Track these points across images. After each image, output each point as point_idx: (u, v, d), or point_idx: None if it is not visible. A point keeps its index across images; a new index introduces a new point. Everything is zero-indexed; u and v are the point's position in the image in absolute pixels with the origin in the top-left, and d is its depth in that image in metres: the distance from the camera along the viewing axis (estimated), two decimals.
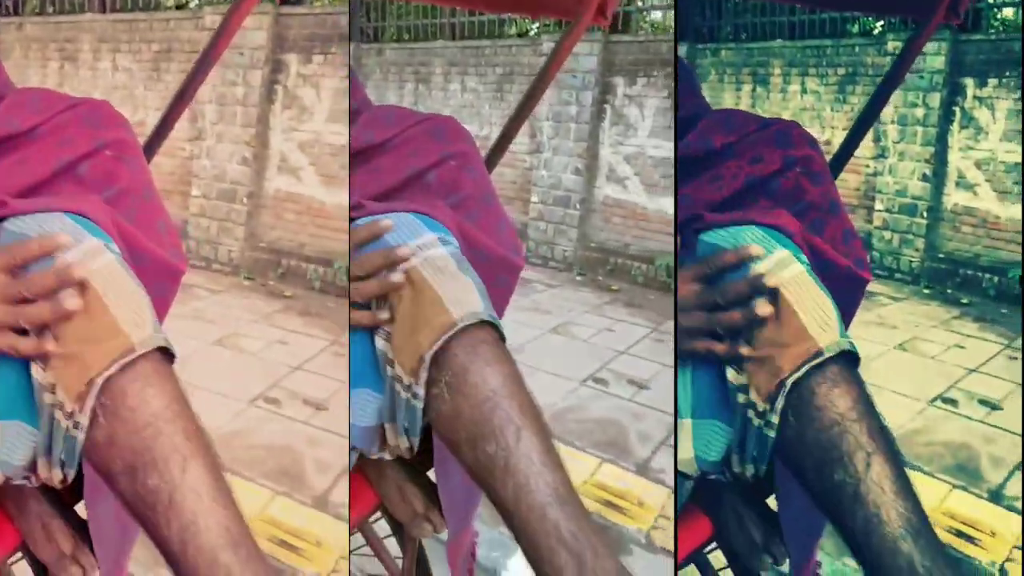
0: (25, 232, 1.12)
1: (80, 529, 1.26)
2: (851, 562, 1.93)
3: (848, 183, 3.66)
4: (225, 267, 3.58)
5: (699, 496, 1.37)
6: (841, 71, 3.90)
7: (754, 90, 4.16)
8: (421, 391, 1.17)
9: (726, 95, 4.27)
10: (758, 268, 1.25)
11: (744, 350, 1.24)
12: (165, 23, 3.99)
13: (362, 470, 1.42)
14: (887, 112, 3.63)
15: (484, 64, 4.49)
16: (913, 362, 2.72)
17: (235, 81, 3.71)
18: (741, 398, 1.24)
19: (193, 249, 3.36)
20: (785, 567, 1.51)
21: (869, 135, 3.67)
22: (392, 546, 1.61)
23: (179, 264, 1.28)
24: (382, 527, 1.60)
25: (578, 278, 3.95)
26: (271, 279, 3.51)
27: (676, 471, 1.40)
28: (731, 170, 1.45)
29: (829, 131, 3.85)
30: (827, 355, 1.17)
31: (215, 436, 1.84)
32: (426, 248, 1.25)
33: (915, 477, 2.18)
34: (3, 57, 4.29)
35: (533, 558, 1.10)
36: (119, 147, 1.33)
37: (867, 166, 3.66)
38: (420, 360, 1.16)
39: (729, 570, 1.45)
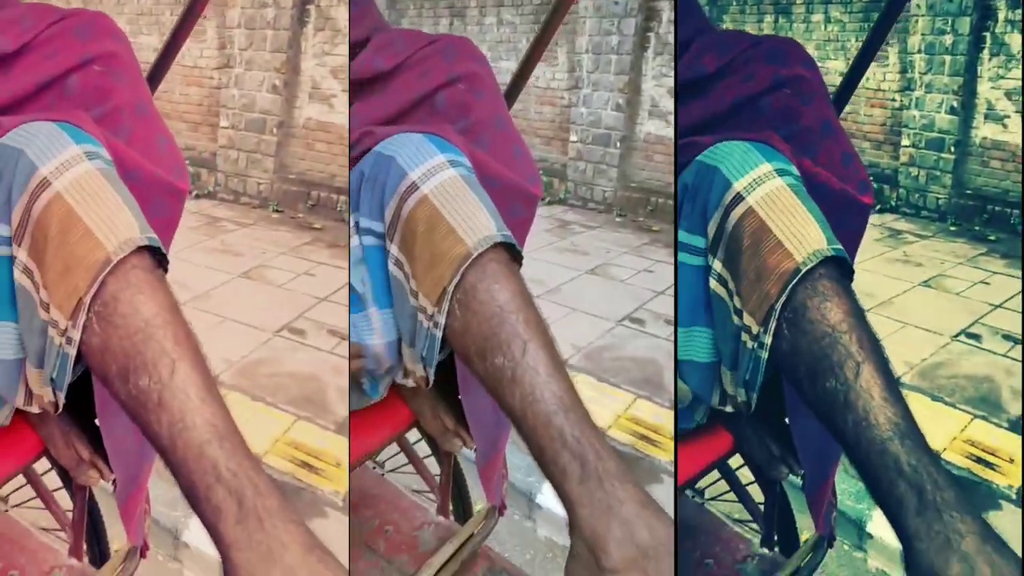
0: (13, 144, 1.14)
1: (98, 439, 1.31)
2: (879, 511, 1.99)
3: (874, 118, 3.63)
4: (254, 200, 3.54)
5: (720, 412, 1.40)
6: None
7: (776, 21, 4.10)
8: (443, 320, 1.22)
9: (748, 28, 4.22)
10: (736, 187, 1.28)
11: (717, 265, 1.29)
12: None
13: (397, 390, 1.48)
14: (914, 41, 3.57)
15: None
16: (938, 298, 2.74)
17: (265, 2, 3.63)
18: (735, 320, 1.27)
19: (222, 182, 3.34)
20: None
21: (896, 66, 3.62)
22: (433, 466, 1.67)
23: (179, 182, 1.30)
24: (423, 449, 1.67)
25: (617, 219, 3.95)
26: (301, 211, 3.52)
27: (675, 396, 1.45)
28: (722, 92, 1.45)
29: None
30: (803, 269, 1.20)
31: (241, 365, 1.90)
32: (435, 172, 1.27)
33: (936, 408, 2.22)
34: (401, 15, 4.26)
35: (541, 461, 1.15)
36: (110, 61, 1.32)
37: (893, 99, 3.62)
38: (443, 292, 1.21)
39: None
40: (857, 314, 1.21)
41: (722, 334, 1.30)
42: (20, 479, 1.45)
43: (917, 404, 2.21)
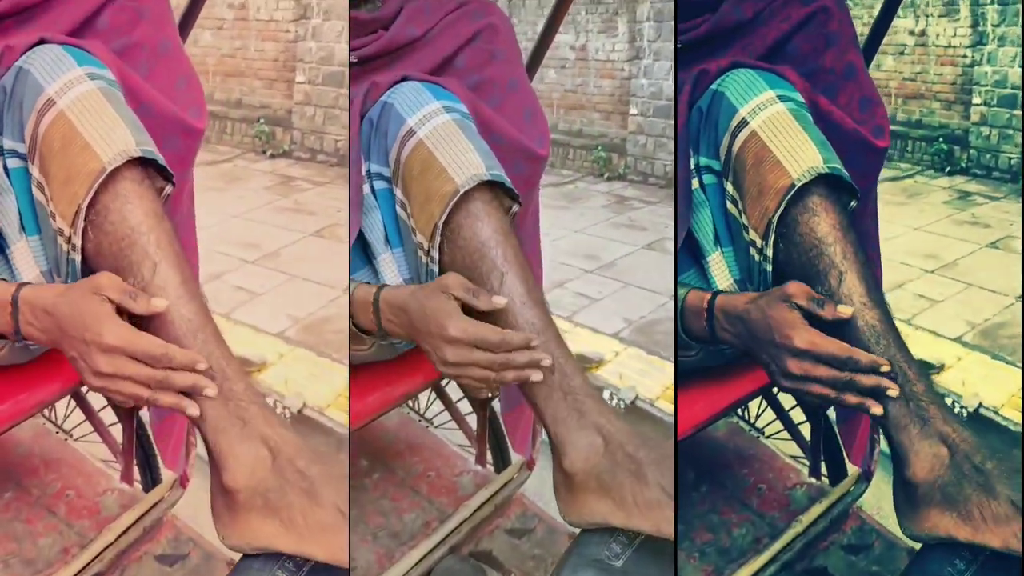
0: (24, 66, 1.25)
1: None
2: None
3: (944, 76, 3.52)
4: (331, 158, 3.37)
5: None
6: None
7: None
8: (436, 255, 1.32)
9: None
10: (741, 112, 1.35)
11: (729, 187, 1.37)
12: None
13: None
14: None
15: None
16: (1004, 259, 2.69)
17: None
18: (745, 236, 1.35)
19: (297, 140, 3.34)
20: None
21: (967, 20, 3.51)
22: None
23: (194, 121, 1.38)
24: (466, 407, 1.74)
25: None
26: None
27: (676, 339, 1.49)
28: (762, 36, 1.49)
29: (923, 20, 3.71)
30: (798, 184, 1.30)
31: (308, 322, 1.99)
32: (430, 118, 1.35)
33: (996, 366, 2.20)
34: None
35: (523, 388, 1.29)
36: None
37: (964, 56, 3.51)
38: (435, 228, 1.31)
39: None
40: (843, 227, 1.31)
41: (739, 251, 1.40)
42: (80, 415, 1.59)
43: (977, 363, 2.20)
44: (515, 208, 1.37)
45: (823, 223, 1.31)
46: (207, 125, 1.41)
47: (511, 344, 1.26)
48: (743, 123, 1.35)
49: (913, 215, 2.94)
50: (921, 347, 2.25)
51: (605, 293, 2.57)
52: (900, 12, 3.84)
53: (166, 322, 1.18)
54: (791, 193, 1.31)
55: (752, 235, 1.35)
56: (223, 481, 1.15)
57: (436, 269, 1.33)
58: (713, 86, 1.40)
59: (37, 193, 1.25)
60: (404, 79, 1.41)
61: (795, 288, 1.29)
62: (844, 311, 1.28)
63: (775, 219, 1.32)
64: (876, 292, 1.31)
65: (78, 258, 1.22)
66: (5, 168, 1.26)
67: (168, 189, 1.28)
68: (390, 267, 1.40)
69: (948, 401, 2.06)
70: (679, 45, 1.50)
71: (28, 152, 1.24)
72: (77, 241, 1.20)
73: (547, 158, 1.51)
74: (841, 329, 1.29)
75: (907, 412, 1.25)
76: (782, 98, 1.36)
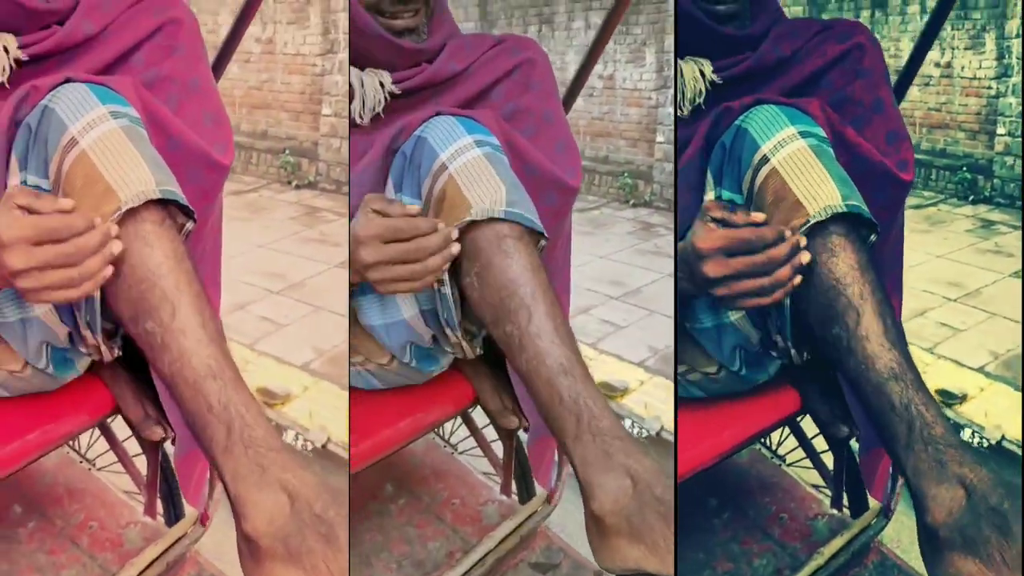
0: (49, 105, 1.25)
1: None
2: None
3: (969, 107, 3.53)
4: None
5: (788, 370, 1.52)
6: None
7: (873, 15, 4.05)
8: (447, 278, 1.32)
9: None
10: (763, 148, 1.36)
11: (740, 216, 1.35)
12: None
13: (460, 368, 1.57)
14: (1012, 26, 3.47)
15: None
16: None
17: None
18: None
19: (323, 171, 3.35)
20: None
21: (992, 52, 3.51)
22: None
23: (220, 157, 1.38)
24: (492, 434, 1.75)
25: None
26: None
27: (676, 368, 1.51)
28: (797, 71, 1.51)
29: (949, 52, 3.72)
30: (812, 221, 1.30)
31: (332, 354, 1.99)
32: (462, 153, 1.35)
33: (1019, 396, 2.19)
34: (492, 24, 4.25)
35: (544, 418, 1.29)
36: (171, 31, 1.41)
37: (989, 87, 3.52)
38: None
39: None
40: (862, 266, 1.31)
41: None
42: (104, 445, 1.58)
43: (1000, 394, 2.19)
44: (543, 242, 1.37)
45: (841, 263, 1.31)
46: (233, 160, 1.41)
47: (420, 230, 1.28)
48: (764, 159, 1.36)
49: (936, 243, 2.93)
50: (943, 376, 2.25)
51: (631, 320, 2.57)
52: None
53: (185, 365, 1.18)
54: (807, 228, 1.31)
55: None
56: (244, 529, 1.14)
57: (448, 293, 1.34)
58: (737, 122, 1.41)
59: None
60: (437, 113, 1.42)
61: (708, 203, 1.34)
62: (757, 216, 1.31)
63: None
64: (894, 332, 1.30)
65: (98, 295, 1.22)
66: None
67: (190, 226, 1.27)
68: (408, 299, 1.41)
69: (969, 432, 2.05)
70: (719, 81, 1.50)
71: (52, 189, 1.24)
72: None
73: (578, 189, 1.51)
74: (859, 370, 1.29)
75: (925, 457, 1.24)
76: (803, 134, 1.36)
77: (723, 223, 1.32)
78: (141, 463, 1.53)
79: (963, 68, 3.45)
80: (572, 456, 1.25)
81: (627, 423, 2.02)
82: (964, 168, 3.40)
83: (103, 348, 1.29)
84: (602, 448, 1.23)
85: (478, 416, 1.73)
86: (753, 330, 1.44)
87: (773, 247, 1.29)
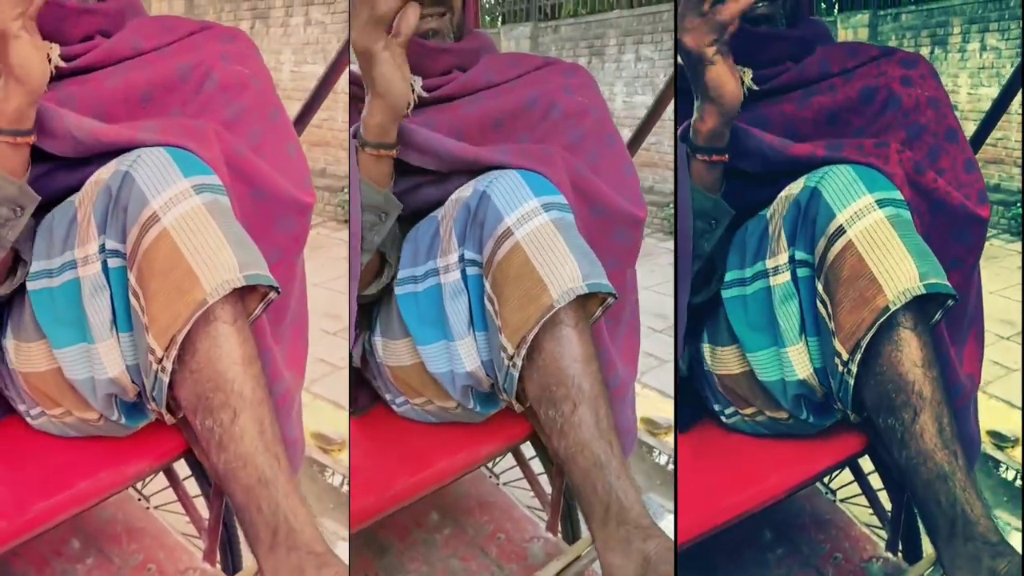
0: (131, 173, 1.23)
1: None
2: (1004, 514, 1.96)
3: (1009, 139, 3.50)
4: None
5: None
6: None
7: (932, 52, 4.03)
8: (520, 363, 1.34)
9: None
10: (839, 218, 1.34)
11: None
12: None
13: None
14: None
15: (660, 30, 4.47)
16: None
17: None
18: (831, 341, 1.37)
19: None
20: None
21: None
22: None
23: (304, 196, 1.38)
24: (538, 466, 1.74)
25: None
26: None
27: (676, 395, 1.49)
28: (852, 84, 1.48)
29: None
30: (893, 308, 1.29)
31: None
32: (529, 218, 1.34)
33: None
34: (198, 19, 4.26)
35: (576, 497, 1.33)
36: (246, 62, 1.40)
37: None
38: (523, 340, 1.32)
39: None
40: (927, 363, 1.31)
41: (824, 343, 1.40)
42: (163, 482, 1.57)
43: None
44: (611, 301, 1.37)
45: (905, 359, 1.31)
46: (315, 196, 1.40)
47: None
48: (840, 230, 1.33)
49: (988, 279, 2.88)
50: (994, 417, 2.21)
51: (667, 352, 2.55)
52: (985, 81, 3.84)
53: (239, 468, 1.19)
54: (884, 317, 1.30)
55: (839, 347, 1.34)
56: None
57: (516, 376, 1.34)
58: (811, 183, 1.38)
59: (133, 300, 1.24)
60: (503, 167, 1.40)
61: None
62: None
63: (864, 342, 1.31)
64: (949, 431, 1.30)
65: (166, 379, 1.22)
66: (105, 265, 1.25)
67: (272, 296, 1.26)
68: (470, 350, 1.41)
69: (1019, 482, 2.02)
70: (756, 89, 1.48)
71: (128, 260, 1.23)
72: (168, 365, 1.20)
73: (645, 218, 1.51)
74: (911, 463, 1.31)
75: (963, 552, 1.25)
76: (881, 203, 1.34)
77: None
78: (200, 504, 1.53)
79: (1021, 104, 3.40)
80: (595, 538, 1.30)
81: (670, 464, 2.01)
82: (1018, 204, 3.35)
83: (166, 416, 1.31)
84: (624, 535, 1.27)
85: (526, 448, 1.73)
86: (819, 386, 1.43)
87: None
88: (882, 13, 4.36)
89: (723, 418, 1.56)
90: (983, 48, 3.91)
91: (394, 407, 1.56)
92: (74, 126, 1.27)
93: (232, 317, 1.21)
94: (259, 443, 1.20)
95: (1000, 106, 1.75)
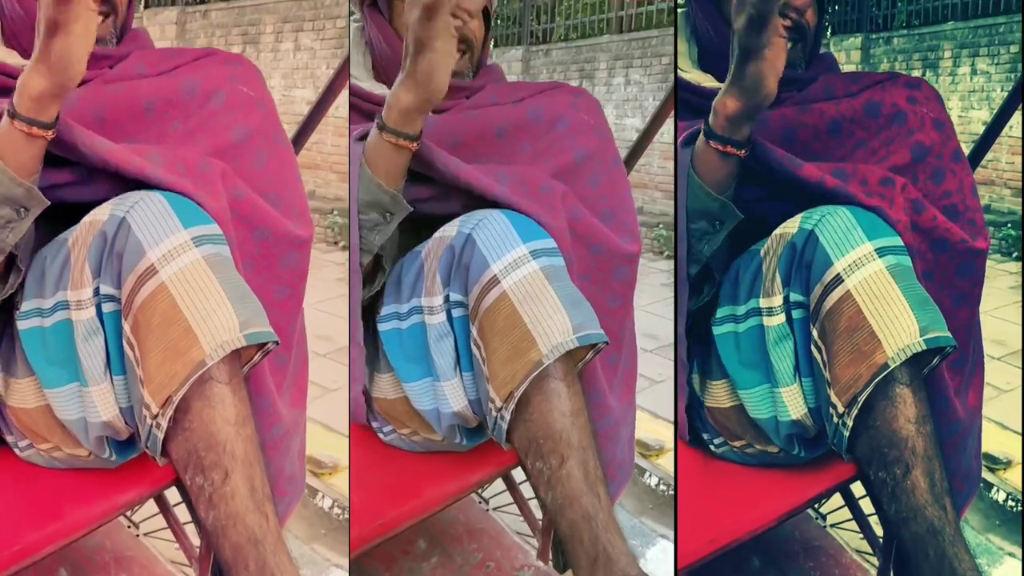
0: (128, 220, 1.19)
1: None
2: (995, 538, 1.94)
3: (1015, 165, 3.53)
4: None
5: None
6: (1014, 48, 3.75)
7: (923, 75, 4.07)
8: (508, 416, 1.31)
9: None
10: (836, 266, 1.30)
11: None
12: None
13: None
14: None
15: (650, 55, 4.51)
16: None
17: None
18: (827, 391, 1.34)
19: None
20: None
21: None
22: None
23: (302, 231, 1.36)
24: (528, 492, 1.71)
25: None
26: None
27: (676, 416, 1.47)
28: (856, 98, 1.44)
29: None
30: (892, 366, 1.26)
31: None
32: (516, 267, 1.30)
33: None
34: (534, 79, 4.24)
35: (563, 546, 1.32)
36: (252, 85, 1.37)
37: None
38: (510, 396, 1.30)
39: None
40: (920, 420, 1.29)
41: (819, 384, 1.37)
42: (153, 508, 1.54)
43: None
44: (601, 346, 1.34)
45: (900, 416, 1.29)
46: (313, 228, 1.37)
47: None
48: (838, 279, 1.29)
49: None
50: (987, 439, 2.20)
51: (666, 375, 2.53)
52: (975, 104, 3.87)
53: (229, 527, 1.18)
54: (883, 375, 1.27)
55: (834, 399, 1.32)
56: None
57: (504, 428, 1.32)
58: (807, 225, 1.33)
59: (127, 349, 1.21)
60: (495, 199, 1.36)
61: None
62: None
63: (862, 398, 1.29)
64: (940, 486, 1.29)
65: (160, 436, 1.19)
66: (99, 310, 1.21)
67: (271, 346, 1.23)
68: (457, 391, 1.38)
69: (1011, 503, 2.01)
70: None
71: (123, 308, 1.20)
72: (163, 423, 1.18)
73: (639, 252, 1.47)
74: (899, 516, 1.29)
75: None
76: (881, 252, 1.29)
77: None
78: (190, 531, 1.50)
79: (1011, 128, 3.43)
80: (576, 570, 1.29)
81: (661, 486, 2.00)
82: (1008, 225, 3.37)
83: (159, 460, 1.28)
84: (604, 571, 1.26)
85: (517, 473, 1.70)
86: (812, 425, 1.40)
87: None
88: (874, 36, 4.40)
89: (712, 447, 1.53)
90: (973, 72, 3.95)
91: (380, 435, 1.52)
92: (82, 141, 1.24)
93: (228, 376, 1.19)
94: (250, 502, 1.19)
95: (995, 129, 1.75)
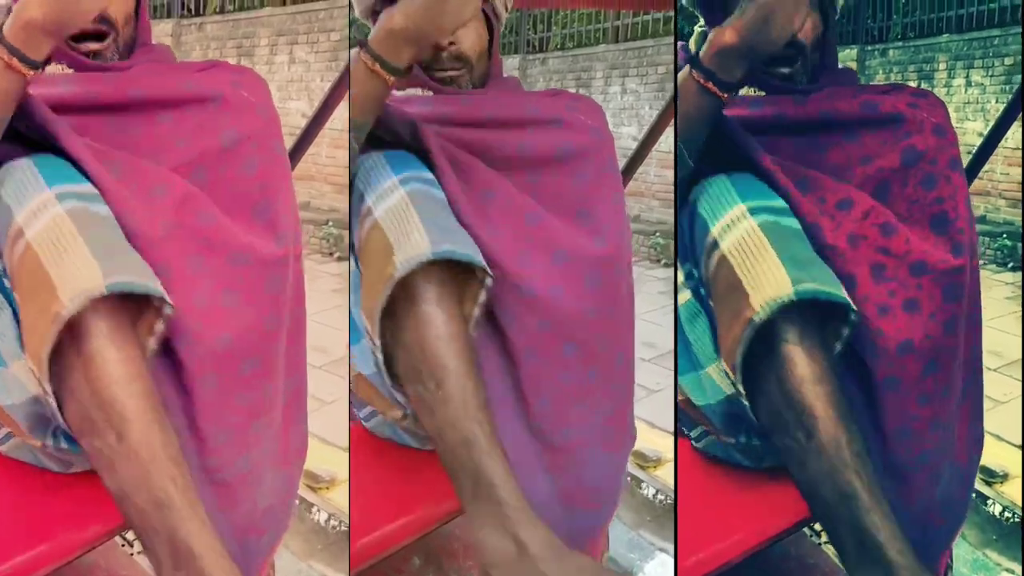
0: None
1: None
2: (992, 553, 1.93)
3: (1011, 176, 3.55)
4: None
5: None
6: (1008, 61, 3.77)
7: (919, 86, 4.09)
8: (379, 341, 1.26)
9: None
10: (712, 232, 1.26)
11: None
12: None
13: None
14: None
15: (646, 64, 4.52)
16: None
17: None
18: (723, 365, 1.28)
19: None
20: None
21: None
22: None
23: (282, 250, 1.29)
24: None
25: None
26: None
27: (676, 425, 1.45)
28: (856, 99, 1.38)
29: (993, 123, 3.70)
30: (757, 321, 1.19)
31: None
32: (385, 197, 1.26)
33: None
34: (530, 87, 4.22)
35: (449, 475, 1.25)
36: (254, 92, 1.33)
37: None
38: (372, 318, 1.25)
39: None
40: (815, 379, 1.20)
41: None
42: None
43: None
44: (488, 281, 1.27)
45: (791, 377, 1.20)
46: (292, 242, 1.33)
47: None
48: (715, 244, 1.24)
49: None
50: (984, 451, 2.20)
51: (664, 384, 2.52)
52: (970, 115, 3.89)
53: (133, 490, 1.12)
54: (751, 331, 1.19)
55: (726, 367, 1.25)
56: None
57: (381, 357, 1.27)
58: (691, 197, 1.28)
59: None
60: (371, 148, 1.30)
61: None
62: None
63: (738, 359, 1.21)
64: (850, 451, 1.20)
65: (54, 402, 1.12)
66: (1, 284, 1.16)
67: (168, 311, 1.15)
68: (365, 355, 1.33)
69: (1007, 515, 2.00)
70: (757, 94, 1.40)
71: (11, 282, 1.14)
72: (48, 387, 1.11)
73: (613, 254, 1.39)
74: (812, 484, 1.23)
75: (872, 570, 1.18)
76: (754, 211, 1.24)
77: None
78: None
79: (1007, 139, 3.44)
80: (466, 513, 1.24)
81: (659, 496, 1.98)
82: (1004, 235, 3.38)
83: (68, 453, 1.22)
84: (494, 512, 1.21)
85: None
86: (731, 439, 1.36)
87: None
88: (870, 48, 4.42)
89: (693, 443, 1.47)
90: (968, 84, 3.97)
91: (365, 425, 1.48)
92: (42, 117, 1.18)
93: (110, 329, 1.10)
94: (151, 463, 1.10)
95: (992, 140, 1.75)
